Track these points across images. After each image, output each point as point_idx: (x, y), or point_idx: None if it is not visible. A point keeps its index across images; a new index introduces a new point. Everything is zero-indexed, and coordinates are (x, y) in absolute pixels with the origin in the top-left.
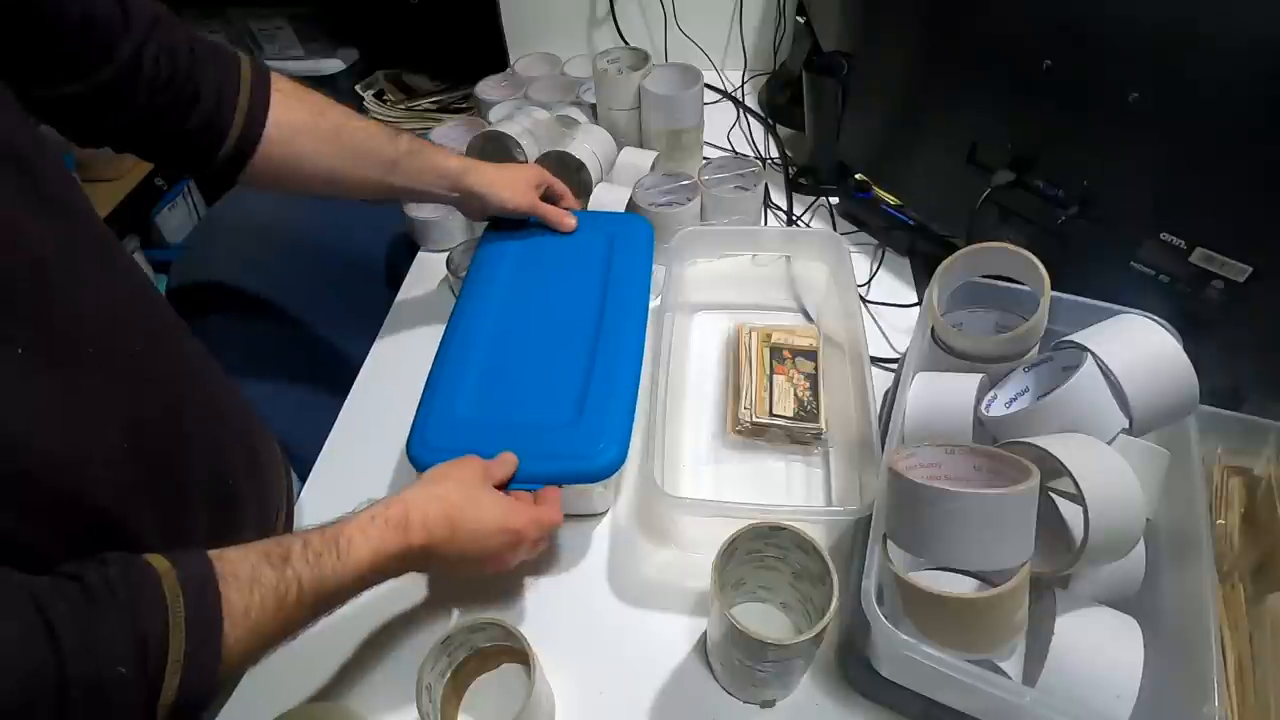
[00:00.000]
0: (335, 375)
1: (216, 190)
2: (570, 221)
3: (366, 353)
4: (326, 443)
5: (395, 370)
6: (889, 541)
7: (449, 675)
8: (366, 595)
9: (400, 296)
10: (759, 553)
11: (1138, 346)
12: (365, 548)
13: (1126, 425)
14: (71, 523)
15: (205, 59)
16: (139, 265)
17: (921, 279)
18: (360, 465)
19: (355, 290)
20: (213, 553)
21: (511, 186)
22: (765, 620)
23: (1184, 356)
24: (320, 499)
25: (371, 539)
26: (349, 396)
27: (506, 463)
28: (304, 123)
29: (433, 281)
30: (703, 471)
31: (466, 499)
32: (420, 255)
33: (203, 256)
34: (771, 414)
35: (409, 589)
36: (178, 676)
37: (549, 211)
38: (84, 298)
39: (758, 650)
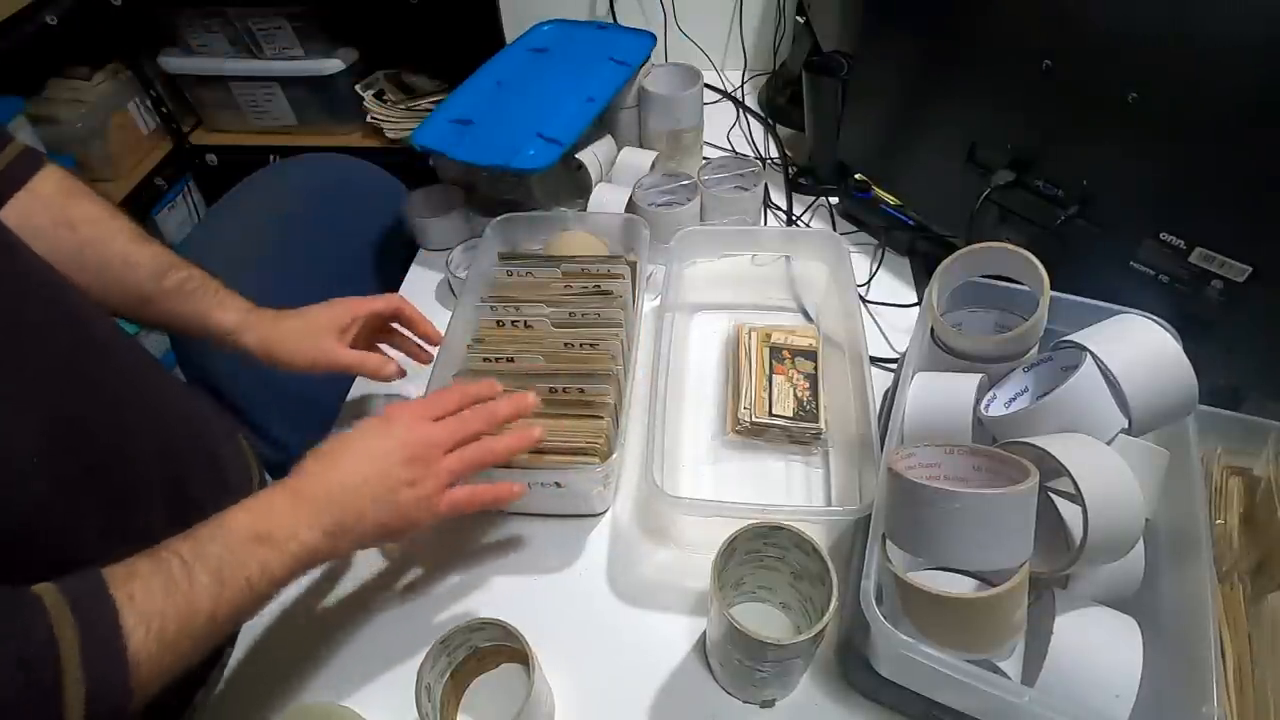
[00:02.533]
0: (335, 375)
1: (216, 190)
2: (389, 369)
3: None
4: None
5: None
6: (888, 541)
7: (449, 675)
8: (366, 595)
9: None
10: (758, 553)
11: (1137, 346)
12: (239, 510)
13: (1126, 425)
14: None
15: None
16: (68, 285)
17: (921, 279)
18: None
19: (355, 290)
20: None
21: (298, 339)
22: (765, 620)
23: (1183, 356)
24: None
25: (244, 504)
26: (348, 396)
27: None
28: (37, 229)
29: (433, 281)
30: (702, 471)
31: (347, 434)
32: (420, 255)
33: (200, 258)
34: (771, 414)
35: (409, 589)
36: (80, 677)
37: (354, 362)
38: None
39: (757, 650)
